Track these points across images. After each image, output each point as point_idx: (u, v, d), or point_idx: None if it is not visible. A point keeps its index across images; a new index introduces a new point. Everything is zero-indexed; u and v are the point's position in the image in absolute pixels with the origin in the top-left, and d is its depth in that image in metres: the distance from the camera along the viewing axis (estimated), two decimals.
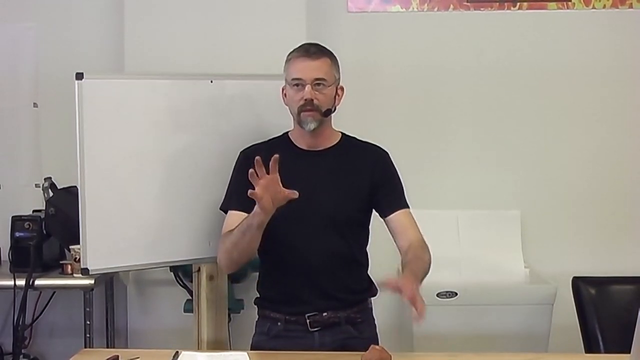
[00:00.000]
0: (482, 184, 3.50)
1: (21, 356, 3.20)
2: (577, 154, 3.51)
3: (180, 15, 3.34)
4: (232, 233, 2.21)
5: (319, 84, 2.25)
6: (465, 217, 3.46)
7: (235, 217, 2.25)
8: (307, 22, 3.34)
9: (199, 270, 2.75)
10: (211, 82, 2.63)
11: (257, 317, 2.41)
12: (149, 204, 2.55)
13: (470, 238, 3.43)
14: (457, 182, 3.50)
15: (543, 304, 3.13)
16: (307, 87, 2.24)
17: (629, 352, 1.77)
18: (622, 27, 3.46)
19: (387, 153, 2.41)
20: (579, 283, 2.89)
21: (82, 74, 2.43)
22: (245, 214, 2.19)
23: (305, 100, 2.24)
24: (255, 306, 2.42)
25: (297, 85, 2.26)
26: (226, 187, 2.38)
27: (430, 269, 2.24)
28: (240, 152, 2.39)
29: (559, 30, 3.48)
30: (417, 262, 2.19)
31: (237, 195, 2.28)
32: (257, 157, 2.05)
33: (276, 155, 2.06)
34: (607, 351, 2.71)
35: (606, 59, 3.47)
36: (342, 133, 2.41)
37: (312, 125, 2.26)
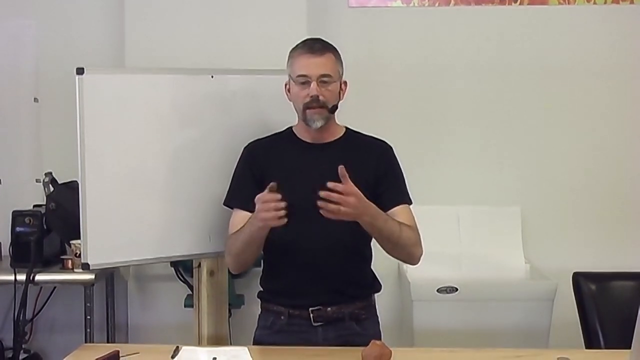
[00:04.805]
0: (482, 180, 3.50)
1: (22, 351, 3.20)
2: (578, 150, 3.51)
3: (181, 10, 3.34)
4: (237, 240, 2.22)
5: (324, 81, 2.25)
6: (465, 213, 3.46)
7: (240, 217, 2.26)
8: (307, 17, 3.33)
9: (199, 265, 2.75)
10: (212, 77, 2.63)
11: (260, 310, 2.40)
12: (149, 199, 2.55)
13: (470, 234, 3.43)
14: (457, 178, 3.50)
15: (543, 300, 3.13)
16: (313, 84, 2.23)
17: (630, 348, 1.77)
18: (623, 22, 3.46)
19: (390, 147, 2.40)
20: (579, 279, 2.89)
21: (82, 69, 2.42)
22: (250, 213, 2.19)
23: (312, 96, 2.24)
24: (258, 300, 2.41)
25: (302, 82, 2.26)
26: (229, 182, 2.38)
27: (408, 251, 2.24)
28: (244, 148, 2.39)
29: (560, 25, 3.48)
30: (393, 220, 2.19)
31: (241, 192, 2.30)
32: (272, 184, 2.07)
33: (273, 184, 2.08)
34: (607, 347, 2.72)
35: (607, 55, 3.47)
36: (346, 127, 2.41)
37: (319, 123, 2.26)
